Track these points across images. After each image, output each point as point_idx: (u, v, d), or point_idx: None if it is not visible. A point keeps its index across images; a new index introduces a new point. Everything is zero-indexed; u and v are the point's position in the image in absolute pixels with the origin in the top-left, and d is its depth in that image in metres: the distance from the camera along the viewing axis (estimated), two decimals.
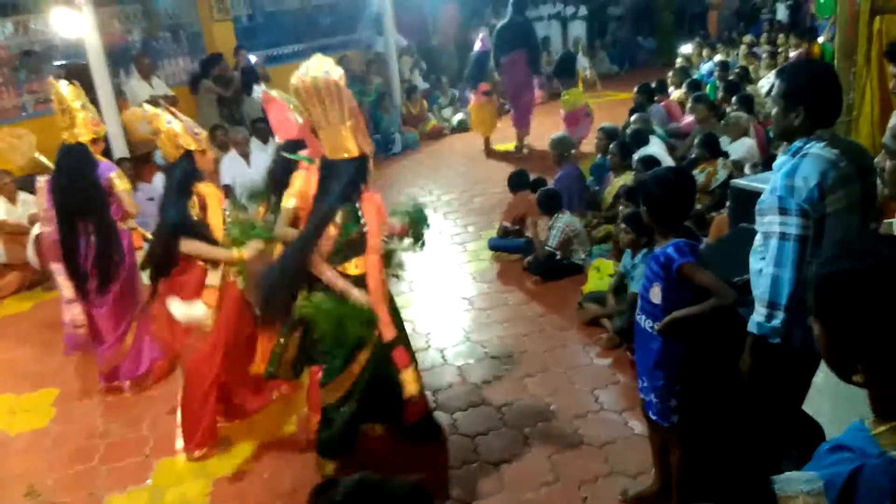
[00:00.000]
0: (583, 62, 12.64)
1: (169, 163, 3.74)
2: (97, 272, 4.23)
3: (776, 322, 2.37)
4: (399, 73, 11.06)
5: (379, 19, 11.48)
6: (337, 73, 2.97)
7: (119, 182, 4.26)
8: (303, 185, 3.22)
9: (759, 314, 2.42)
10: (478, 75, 9.44)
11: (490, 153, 9.50)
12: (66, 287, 4.23)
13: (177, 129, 3.62)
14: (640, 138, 6.48)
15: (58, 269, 4.23)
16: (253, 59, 9.73)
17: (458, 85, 11.74)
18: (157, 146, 3.81)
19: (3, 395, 4.58)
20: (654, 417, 2.84)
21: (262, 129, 7.32)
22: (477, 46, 9.55)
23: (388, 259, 3.54)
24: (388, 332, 3.15)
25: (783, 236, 2.33)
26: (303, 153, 3.42)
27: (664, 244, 2.66)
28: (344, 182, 3.05)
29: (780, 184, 2.36)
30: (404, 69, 11.42)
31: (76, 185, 4.17)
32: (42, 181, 4.26)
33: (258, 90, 3.81)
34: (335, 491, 1.26)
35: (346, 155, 3.05)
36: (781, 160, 2.49)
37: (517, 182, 6.21)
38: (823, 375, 2.11)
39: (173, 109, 3.77)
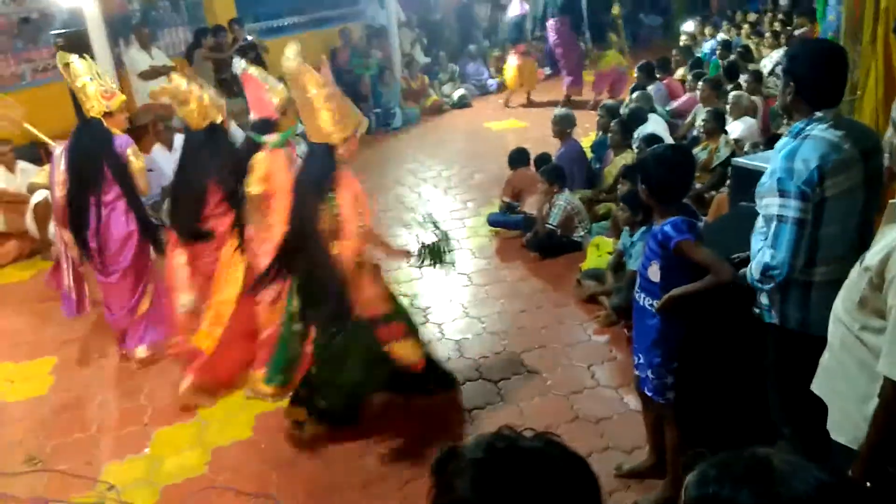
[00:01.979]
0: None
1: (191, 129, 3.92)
2: (104, 245, 4.24)
3: (766, 286, 2.41)
4: (400, 48, 10.95)
5: None
6: (298, 62, 3.06)
7: (134, 159, 4.25)
8: (267, 169, 3.29)
9: (752, 274, 2.45)
10: (517, 37, 10.61)
11: (531, 104, 10.38)
12: (70, 252, 4.25)
13: (206, 99, 3.76)
14: (639, 116, 6.45)
15: (64, 235, 4.24)
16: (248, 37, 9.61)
17: (459, 60, 11.64)
18: (181, 115, 3.93)
19: (2, 364, 4.59)
20: (649, 394, 2.86)
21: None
22: (515, 11, 10.67)
23: (438, 256, 3.56)
24: (372, 310, 3.23)
25: (781, 218, 2.33)
26: (270, 137, 3.52)
27: (662, 222, 2.65)
28: (316, 170, 3.13)
29: (779, 166, 2.35)
30: (405, 43, 11.31)
31: (89, 159, 4.16)
32: (59, 149, 4.24)
33: (238, 64, 3.81)
34: (463, 459, 1.07)
35: (320, 139, 3.11)
36: (783, 141, 2.48)
37: (517, 158, 6.22)
38: (829, 355, 2.10)
39: (199, 80, 3.84)
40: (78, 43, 6.75)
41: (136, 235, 4.29)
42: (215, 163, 3.95)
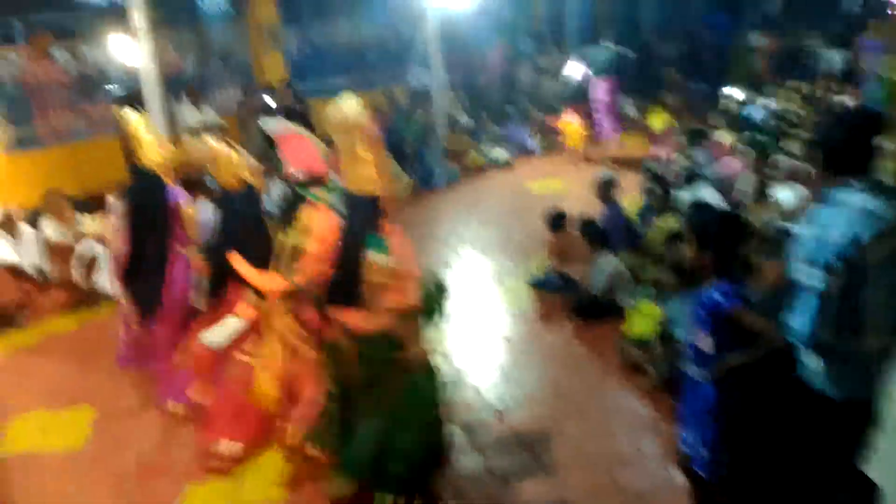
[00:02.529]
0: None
1: (225, 190, 3.98)
2: (154, 292, 4.34)
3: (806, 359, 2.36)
4: (443, 109, 11.16)
5: (425, 55, 11.64)
6: (359, 111, 3.13)
7: (187, 209, 4.40)
8: (320, 228, 3.33)
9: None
10: (574, 99, 11.11)
11: (589, 159, 10.65)
12: (125, 305, 4.40)
13: (234, 159, 3.84)
14: (685, 180, 6.38)
15: (119, 287, 4.40)
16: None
17: (502, 122, 11.79)
18: (212, 173, 4.01)
19: (41, 412, 4.62)
20: (700, 472, 2.72)
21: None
22: (578, 74, 11.02)
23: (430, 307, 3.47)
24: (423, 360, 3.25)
25: (808, 289, 2.29)
26: (315, 190, 3.58)
27: (709, 289, 2.58)
28: (362, 220, 3.15)
29: (811, 233, 2.30)
30: (448, 105, 11.52)
31: (145, 208, 4.29)
32: (114, 200, 4.40)
33: (276, 125, 3.92)
34: None
35: (360, 189, 3.16)
36: (817, 209, 2.41)
37: (557, 222, 6.19)
38: (884, 438, 1.99)
39: (230, 141, 3.93)
40: (133, 99, 7.03)
41: (187, 285, 4.35)
42: (248, 223, 4.03)
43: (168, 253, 4.32)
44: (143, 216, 4.28)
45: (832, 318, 2.25)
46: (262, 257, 3.77)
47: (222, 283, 3.93)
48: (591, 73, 10.72)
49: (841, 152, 2.34)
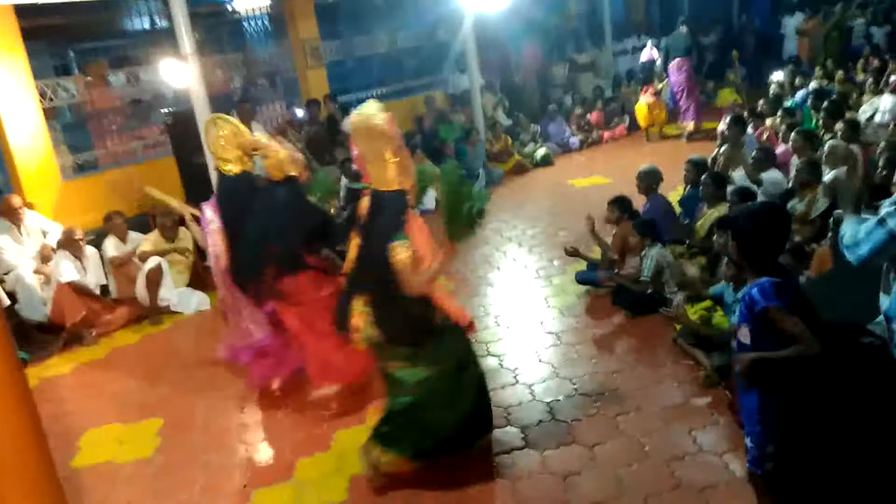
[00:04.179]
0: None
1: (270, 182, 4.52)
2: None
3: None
4: (482, 111, 11.22)
5: (461, 59, 11.73)
6: (380, 117, 3.37)
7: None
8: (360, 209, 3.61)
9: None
10: (647, 79, 12.19)
11: (664, 137, 11.61)
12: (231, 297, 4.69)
13: (282, 155, 4.39)
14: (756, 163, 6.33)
15: (231, 292, 4.67)
16: (299, 112, 10.10)
17: (540, 120, 11.79)
18: (265, 167, 4.50)
19: (112, 425, 4.83)
20: (748, 464, 2.71)
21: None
22: (645, 57, 12.84)
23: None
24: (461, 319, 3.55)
25: (881, 222, 2.37)
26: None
27: (751, 283, 2.53)
28: (386, 215, 3.39)
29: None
30: (487, 107, 11.58)
31: (244, 209, 4.59)
32: (208, 210, 4.69)
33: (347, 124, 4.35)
34: None
35: (387, 188, 3.41)
36: None
37: (625, 209, 5.89)
38: None
39: (279, 138, 4.37)
40: (185, 120, 7.29)
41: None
42: (295, 210, 4.47)
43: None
44: (236, 216, 4.61)
45: None
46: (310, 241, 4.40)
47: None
48: (658, 56, 12.00)
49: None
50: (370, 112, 3.39)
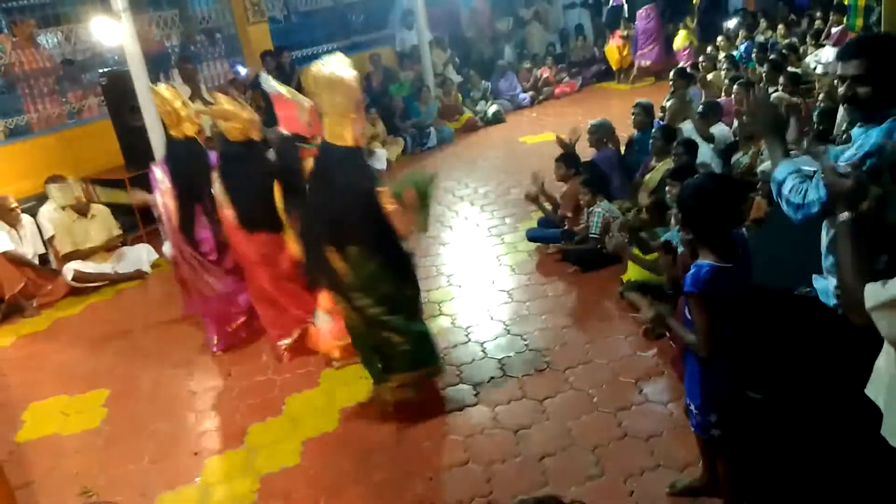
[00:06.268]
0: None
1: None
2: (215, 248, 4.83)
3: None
4: (432, 68, 11.04)
5: (409, 15, 11.48)
6: (350, 74, 3.40)
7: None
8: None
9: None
10: (613, 23, 12.85)
11: (634, 80, 12.16)
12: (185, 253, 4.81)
13: (246, 116, 4.44)
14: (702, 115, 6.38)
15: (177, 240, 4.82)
16: (242, 71, 9.81)
17: (491, 77, 11.67)
18: (224, 130, 4.48)
19: (57, 397, 4.72)
20: (693, 428, 2.77)
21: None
22: (613, 1, 12.97)
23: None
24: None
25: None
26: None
27: (698, 262, 2.50)
28: (350, 168, 3.46)
29: (871, 142, 2.20)
30: (437, 63, 11.39)
31: (192, 172, 4.73)
32: (158, 171, 4.81)
33: (268, 84, 4.30)
34: None
35: (341, 142, 3.45)
36: (859, 131, 2.32)
37: (573, 165, 5.87)
38: (885, 358, 1.99)
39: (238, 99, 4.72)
40: (121, 82, 6.99)
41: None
42: (257, 167, 4.49)
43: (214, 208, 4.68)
44: (189, 182, 4.72)
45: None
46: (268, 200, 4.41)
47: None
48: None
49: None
50: (339, 66, 3.36)
